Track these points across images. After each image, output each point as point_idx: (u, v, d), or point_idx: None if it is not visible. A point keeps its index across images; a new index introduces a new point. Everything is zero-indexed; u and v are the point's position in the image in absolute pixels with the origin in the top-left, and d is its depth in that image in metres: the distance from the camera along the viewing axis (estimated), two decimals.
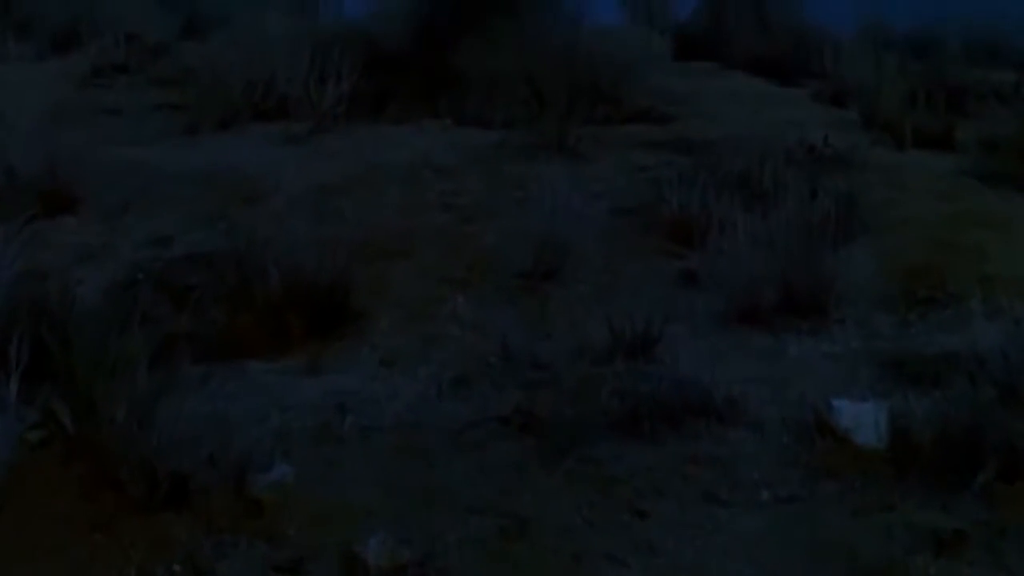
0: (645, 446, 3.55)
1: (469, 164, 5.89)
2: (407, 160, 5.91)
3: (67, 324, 4.00)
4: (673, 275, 4.85)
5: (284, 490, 3.27)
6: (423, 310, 4.47)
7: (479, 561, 3.02)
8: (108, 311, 4.47)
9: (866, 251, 5.02)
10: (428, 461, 3.48)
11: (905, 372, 4.03)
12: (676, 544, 3.14)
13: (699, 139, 6.57)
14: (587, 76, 7.20)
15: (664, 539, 3.15)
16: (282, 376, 4.05)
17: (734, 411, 3.74)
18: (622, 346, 4.10)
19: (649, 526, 3.21)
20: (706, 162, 5.90)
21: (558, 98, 6.82)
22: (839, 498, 3.33)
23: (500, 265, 4.77)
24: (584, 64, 7.22)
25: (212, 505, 3.17)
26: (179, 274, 4.66)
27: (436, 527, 3.14)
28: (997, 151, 6.62)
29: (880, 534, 3.16)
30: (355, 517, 3.17)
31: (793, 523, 3.23)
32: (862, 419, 3.57)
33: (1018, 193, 5.86)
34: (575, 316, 4.45)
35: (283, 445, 3.49)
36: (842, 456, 3.51)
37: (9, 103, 6.56)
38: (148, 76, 8.59)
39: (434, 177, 5.71)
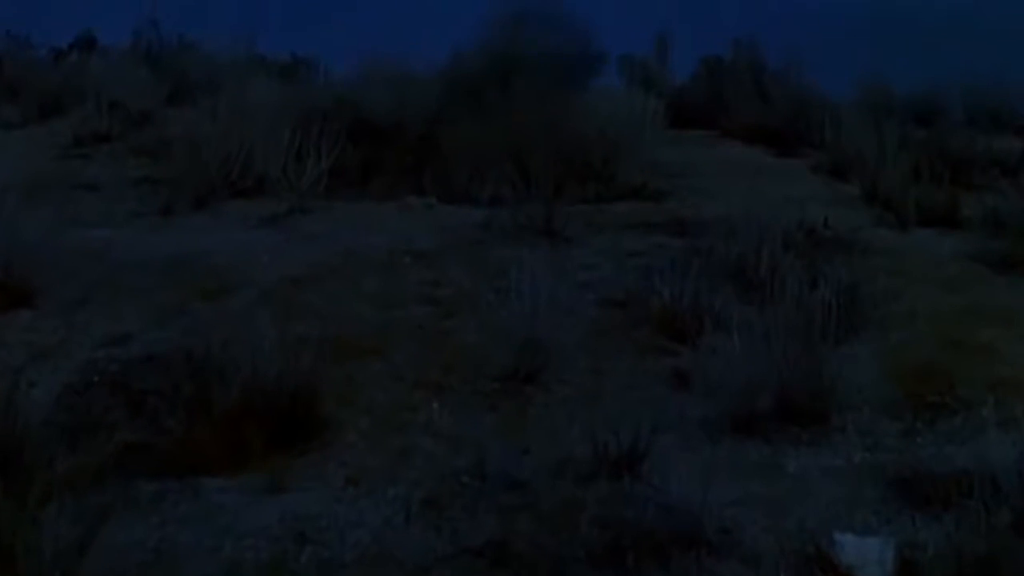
0: None
1: (451, 249, 5.61)
2: (387, 245, 5.64)
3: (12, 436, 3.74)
4: (663, 376, 4.55)
5: None
6: (395, 419, 4.18)
7: None
8: (60, 418, 4.23)
9: (869, 349, 4.73)
10: None
11: (913, 493, 3.73)
12: None
13: (693, 219, 6.30)
14: (578, 151, 6.96)
15: None
16: (239, 496, 3.75)
17: (727, 541, 3.44)
18: (606, 463, 3.80)
19: None
20: (700, 246, 5.63)
21: (547, 176, 6.58)
22: None
23: (479, 366, 4.48)
24: (575, 139, 6.97)
25: None
26: (136, 377, 4.37)
27: None
28: (1003, 231, 6.35)
29: None
30: None
31: None
32: (867, 555, 3.27)
33: None
34: (557, 424, 4.15)
35: None
36: None
37: None
38: (130, 145, 8.37)
39: (413, 264, 5.43)
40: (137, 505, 3.69)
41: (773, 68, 9.11)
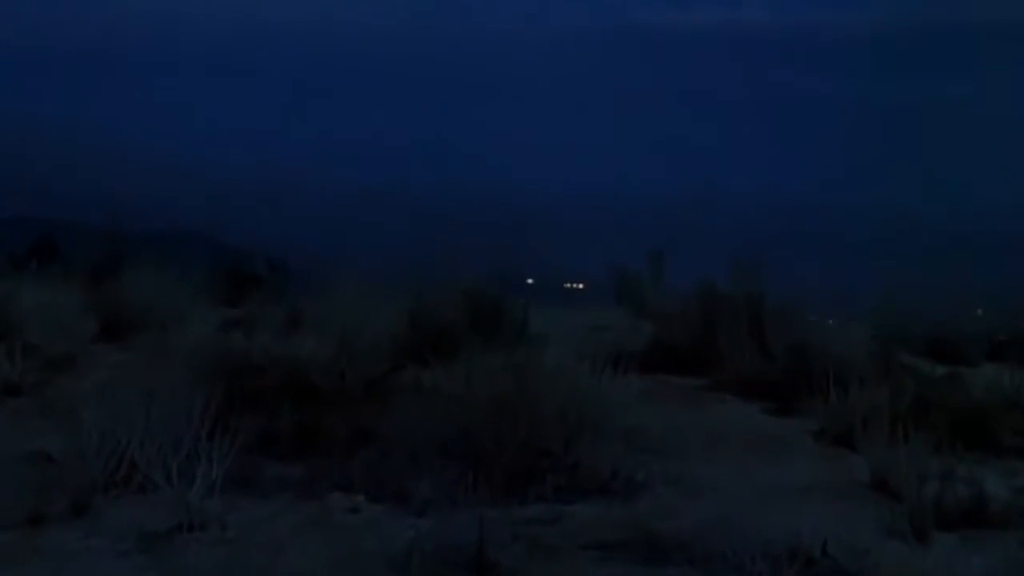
0: None
1: None
2: None
3: None
4: None
5: None
6: None
7: None
8: None
9: None
10: None
11: None
12: None
13: (668, 532, 5.22)
14: (536, 434, 5.93)
15: None
16: None
17: None
18: None
19: None
20: None
21: (495, 468, 5.57)
22: None
23: None
24: (533, 419, 5.95)
25: None
26: None
27: None
28: None
29: None
30: None
31: None
32: None
33: None
34: None
35: None
36: None
37: None
38: (41, 400, 7.43)
39: None
40: None
41: (773, 302, 8.10)
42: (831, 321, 9.19)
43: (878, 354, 8.25)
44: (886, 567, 5.00)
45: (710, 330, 8.31)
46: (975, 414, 7.32)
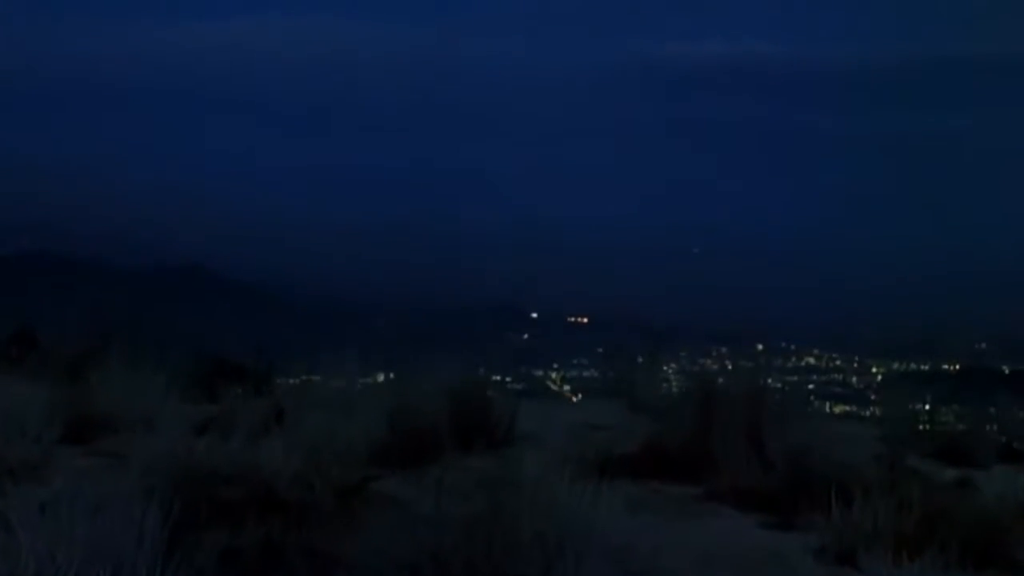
0: None
1: None
2: None
3: None
4: None
5: None
6: None
7: None
8: None
9: None
10: None
11: None
12: None
13: None
14: (512, 559, 5.49)
15: None
16: None
17: None
18: None
19: None
20: None
21: None
22: None
23: None
24: (509, 542, 5.51)
25: None
26: None
27: None
28: None
29: None
30: None
31: None
32: None
33: None
34: None
35: None
36: None
37: None
38: None
39: None
40: None
41: (770, 424, 7.66)
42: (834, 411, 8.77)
43: (885, 459, 7.82)
44: None
45: (705, 432, 7.88)
46: (987, 527, 6.88)
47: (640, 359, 11.08)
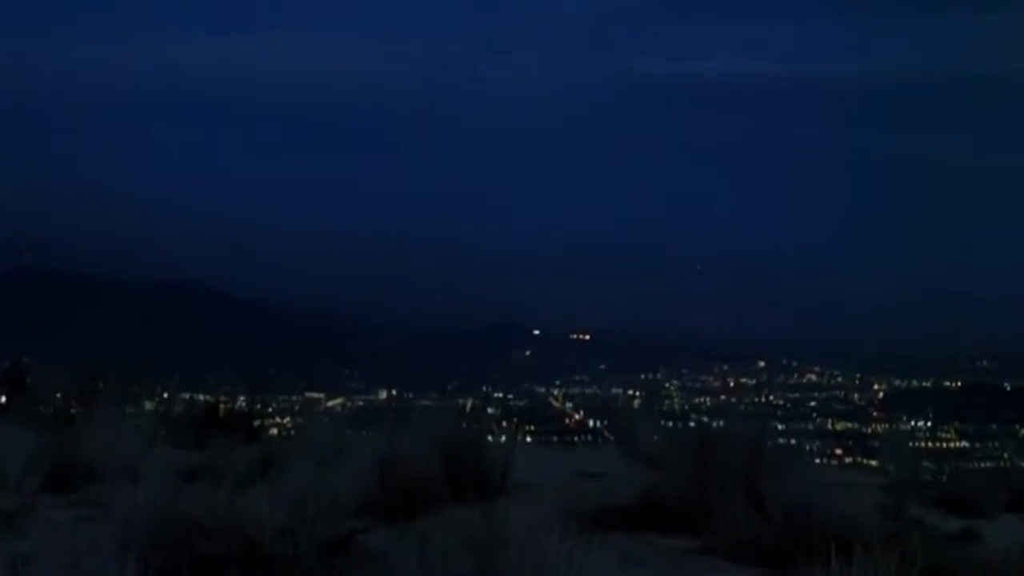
0: None
1: None
2: None
3: None
4: None
5: None
6: None
7: None
8: None
9: None
10: None
11: None
12: None
13: None
14: None
15: None
16: None
17: None
18: None
19: None
20: None
21: None
22: None
23: None
24: None
25: None
26: None
27: None
28: None
29: None
30: None
31: None
32: None
33: None
34: None
35: None
36: None
37: None
38: None
39: None
40: None
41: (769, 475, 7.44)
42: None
43: (888, 509, 7.62)
44: None
45: (702, 483, 7.68)
46: None
47: (636, 400, 10.90)
